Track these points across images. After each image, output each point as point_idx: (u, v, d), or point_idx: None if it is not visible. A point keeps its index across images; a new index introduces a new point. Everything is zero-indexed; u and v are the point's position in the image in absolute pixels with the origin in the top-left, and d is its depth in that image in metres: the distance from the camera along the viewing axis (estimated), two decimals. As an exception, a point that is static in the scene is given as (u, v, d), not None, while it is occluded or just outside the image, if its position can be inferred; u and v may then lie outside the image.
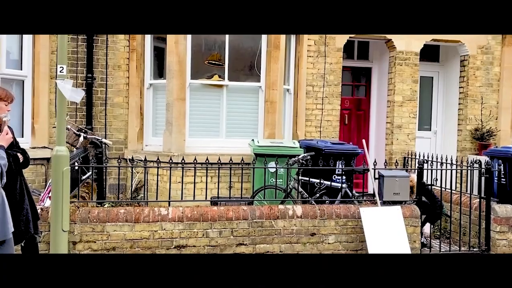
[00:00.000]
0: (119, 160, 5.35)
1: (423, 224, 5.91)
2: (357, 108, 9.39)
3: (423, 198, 5.86)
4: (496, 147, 8.38)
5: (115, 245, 5.02)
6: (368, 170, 5.84)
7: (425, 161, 5.96)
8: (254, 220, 5.32)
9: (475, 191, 6.16)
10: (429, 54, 9.35)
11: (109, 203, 6.37)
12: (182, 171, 5.42)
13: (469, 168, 6.21)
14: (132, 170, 5.30)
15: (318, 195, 6.01)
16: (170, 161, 5.43)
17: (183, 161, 5.44)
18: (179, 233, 5.14)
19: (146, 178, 5.25)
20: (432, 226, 6.12)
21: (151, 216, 5.12)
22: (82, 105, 7.28)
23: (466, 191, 6.26)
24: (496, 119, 8.95)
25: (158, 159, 5.35)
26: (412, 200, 5.82)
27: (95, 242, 4.99)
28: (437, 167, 6.16)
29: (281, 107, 7.57)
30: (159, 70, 7.73)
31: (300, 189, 6.16)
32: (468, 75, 8.89)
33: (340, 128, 8.64)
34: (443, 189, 6.05)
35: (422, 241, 5.86)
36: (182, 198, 5.54)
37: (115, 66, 7.55)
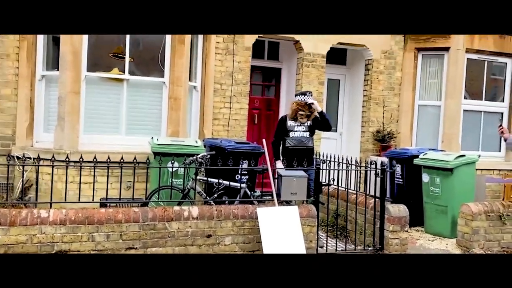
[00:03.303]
0: (-7, 157, 4.84)
1: None
2: (267, 108, 9.38)
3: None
4: (396, 148, 8.74)
5: (-14, 252, 4.51)
6: (267, 170, 5.77)
7: (323, 161, 6.02)
8: (146, 223, 5.03)
9: (373, 191, 6.32)
10: (337, 57, 9.55)
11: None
12: (66, 170, 5.00)
13: (366, 168, 6.36)
14: (8, 169, 4.78)
15: (216, 195, 5.85)
16: (53, 159, 4.99)
17: (67, 159, 5.02)
18: (61, 237, 4.72)
19: (24, 177, 4.78)
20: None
21: (29, 219, 4.66)
22: (-39, 96, 6.58)
23: (365, 191, 6.41)
24: (397, 122, 9.34)
25: (38, 156, 4.91)
26: (310, 200, 5.84)
27: (-39, 248, 4.46)
28: (334, 167, 6.25)
29: (186, 104, 7.32)
30: (54, 61, 7.14)
31: (199, 190, 5.96)
32: (371, 79, 9.18)
33: (249, 128, 8.57)
34: (340, 189, 6.15)
35: None
36: (66, 199, 5.12)
37: (3, 55, 6.91)
